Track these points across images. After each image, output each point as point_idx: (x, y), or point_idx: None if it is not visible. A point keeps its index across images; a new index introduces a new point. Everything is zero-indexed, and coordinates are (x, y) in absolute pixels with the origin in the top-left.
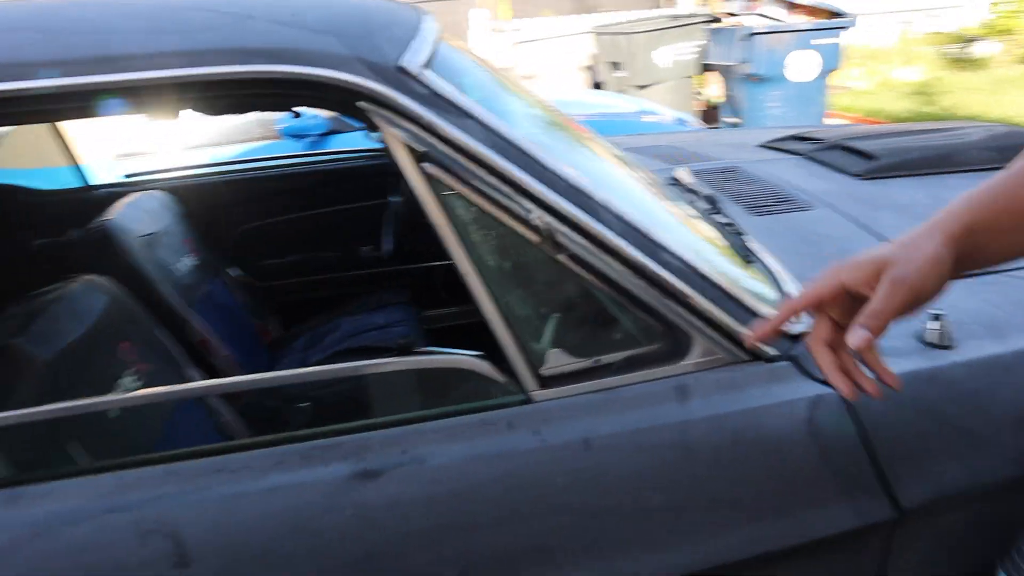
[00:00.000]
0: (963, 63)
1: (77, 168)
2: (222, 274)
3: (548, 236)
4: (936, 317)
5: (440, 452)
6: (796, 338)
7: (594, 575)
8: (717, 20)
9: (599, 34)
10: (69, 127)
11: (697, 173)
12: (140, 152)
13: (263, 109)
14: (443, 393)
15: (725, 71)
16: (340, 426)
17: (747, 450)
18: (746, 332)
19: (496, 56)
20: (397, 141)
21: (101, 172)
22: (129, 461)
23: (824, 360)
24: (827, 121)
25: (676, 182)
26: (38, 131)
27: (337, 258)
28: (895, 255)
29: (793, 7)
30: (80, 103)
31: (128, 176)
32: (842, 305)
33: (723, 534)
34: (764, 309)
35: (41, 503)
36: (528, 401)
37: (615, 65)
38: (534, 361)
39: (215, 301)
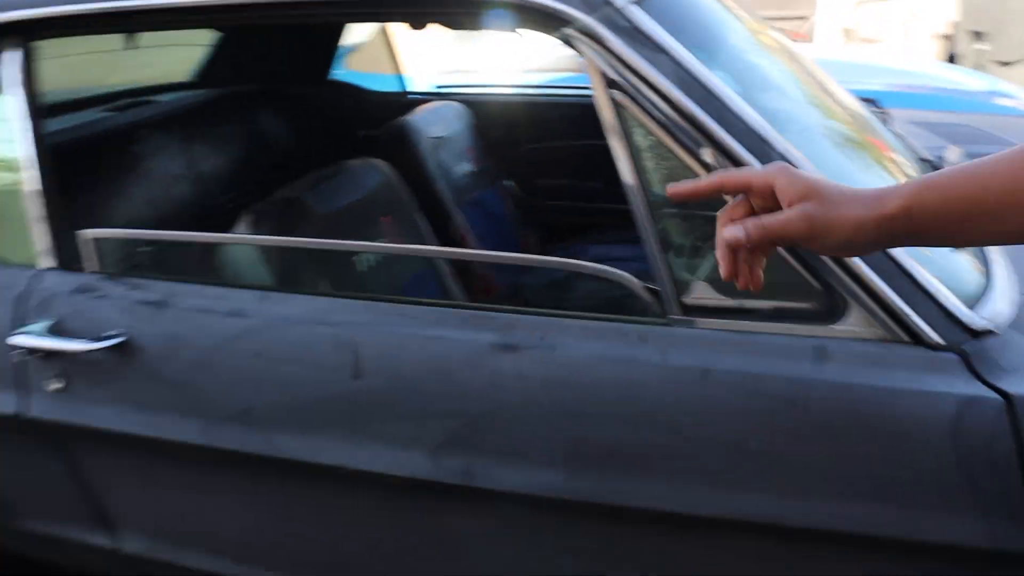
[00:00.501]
0: None
1: (400, 77)
2: (497, 185)
3: None
4: None
5: (573, 345)
6: (976, 334)
7: (680, 496)
8: None
9: None
10: (403, 43)
11: (975, 156)
12: (465, 70)
13: (489, 28)
14: (593, 298)
15: None
16: (499, 305)
17: (869, 428)
18: (675, 188)
19: (837, 17)
20: (593, 66)
21: (420, 82)
22: (341, 293)
23: (721, 234)
24: None
25: (939, 160)
26: (378, 44)
27: (604, 189)
28: (828, 194)
29: None
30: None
31: (438, 87)
32: (765, 200)
33: (812, 497)
34: (944, 294)
35: (280, 306)
36: (666, 324)
37: (977, 35)
38: (680, 288)
39: (484, 207)
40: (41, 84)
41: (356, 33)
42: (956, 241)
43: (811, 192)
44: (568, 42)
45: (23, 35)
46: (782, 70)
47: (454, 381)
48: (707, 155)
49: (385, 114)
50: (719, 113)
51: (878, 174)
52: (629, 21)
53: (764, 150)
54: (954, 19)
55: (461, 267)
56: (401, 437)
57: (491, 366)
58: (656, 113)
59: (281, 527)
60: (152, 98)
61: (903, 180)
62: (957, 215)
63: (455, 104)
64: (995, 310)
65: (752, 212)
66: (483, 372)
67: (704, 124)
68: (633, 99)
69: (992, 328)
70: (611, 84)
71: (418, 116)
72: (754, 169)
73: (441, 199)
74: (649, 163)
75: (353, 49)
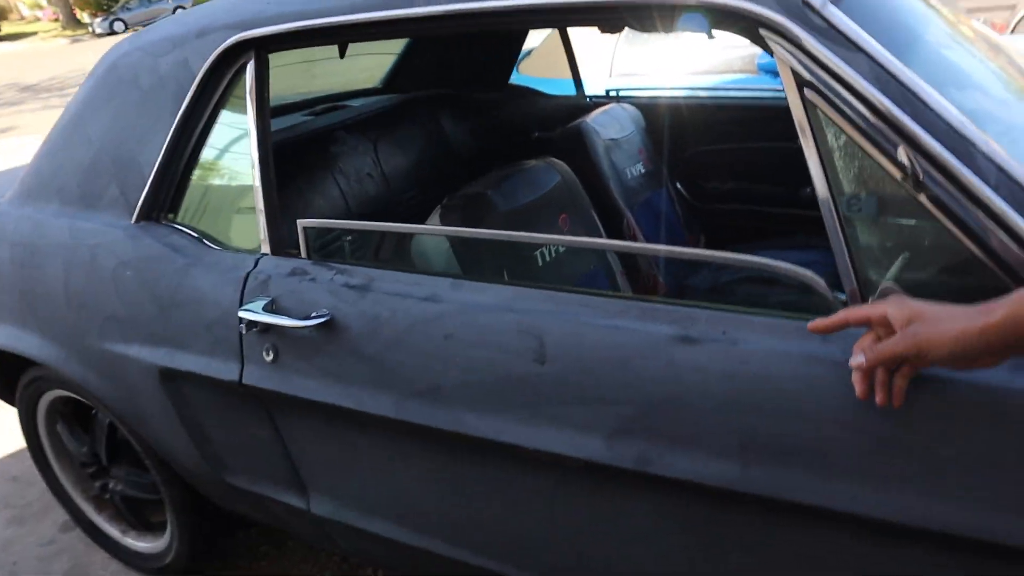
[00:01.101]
0: None
1: (576, 81)
2: (667, 187)
3: (912, 175)
4: None
5: (754, 340)
6: None
7: (860, 501)
8: None
9: None
10: (581, 50)
11: None
12: (635, 73)
13: (683, 30)
14: (778, 296)
15: None
16: (681, 300)
17: None
18: (813, 325)
19: None
20: (786, 67)
21: (595, 86)
22: (526, 284)
23: (856, 359)
24: None
25: None
26: (554, 50)
27: (774, 193)
28: (933, 314)
29: None
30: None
31: (611, 90)
32: (887, 328)
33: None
34: None
35: (471, 293)
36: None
37: None
38: (865, 290)
39: (654, 207)
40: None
41: (532, 39)
42: None
43: (916, 315)
44: (761, 43)
45: (259, 48)
46: (985, 65)
47: (633, 370)
48: (902, 154)
49: (562, 117)
50: (918, 112)
51: None
52: (826, 20)
53: (966, 148)
54: None
55: (630, 266)
56: (579, 421)
57: (670, 357)
58: (850, 113)
59: (461, 501)
60: (346, 103)
61: None
62: None
63: (629, 107)
64: None
65: (879, 339)
66: (660, 362)
67: (902, 123)
68: (827, 99)
69: None
70: (804, 84)
71: (593, 119)
72: (874, 305)
73: (614, 199)
74: (841, 163)
75: (527, 54)
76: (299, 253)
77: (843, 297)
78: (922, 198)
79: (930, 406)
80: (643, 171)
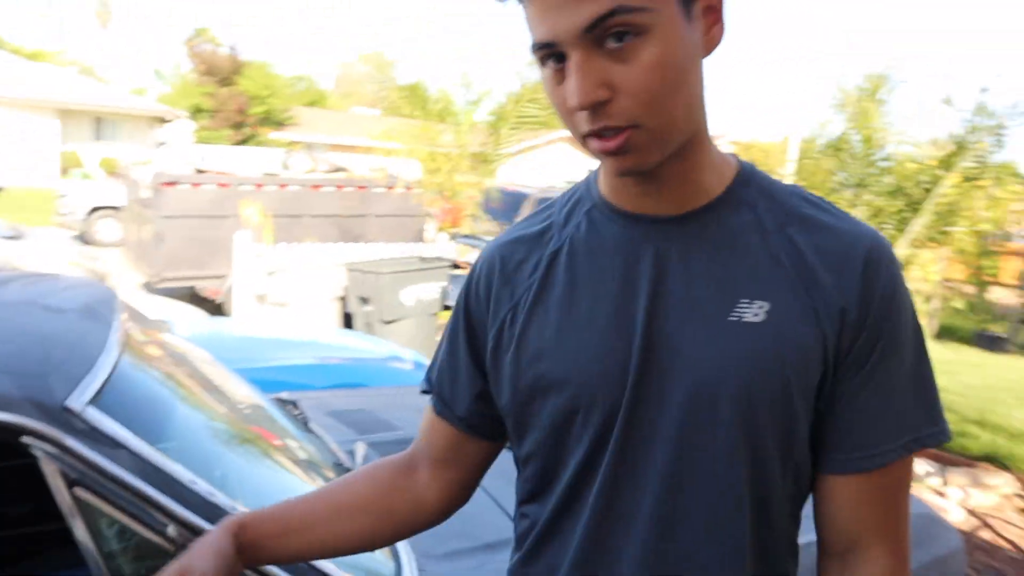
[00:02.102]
0: None
1: None
2: None
3: (182, 546)
4: None
5: None
6: None
7: None
8: (457, 267)
9: (350, 270)
10: None
11: (376, 445)
12: None
13: None
14: None
15: None
16: None
17: None
18: None
19: (251, 283)
20: (54, 469)
21: None
22: None
23: None
24: None
25: (347, 463)
26: None
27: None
28: (190, 550)
29: None
30: None
31: None
32: None
33: None
34: None
35: None
36: None
37: (364, 300)
38: None
39: None
40: None
41: None
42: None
43: (183, 563)
44: (25, 450)
45: None
46: (232, 430)
47: None
48: (172, 531)
49: None
50: (177, 491)
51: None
52: (87, 423)
53: (219, 514)
54: (345, 286)
55: None
56: None
57: None
58: (121, 502)
59: None
60: None
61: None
62: (272, 531)
63: None
64: None
65: None
66: None
67: (167, 506)
68: (97, 493)
69: None
70: (73, 483)
71: None
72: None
73: None
74: (116, 545)
75: None
76: None
77: None
78: None
79: None
80: None
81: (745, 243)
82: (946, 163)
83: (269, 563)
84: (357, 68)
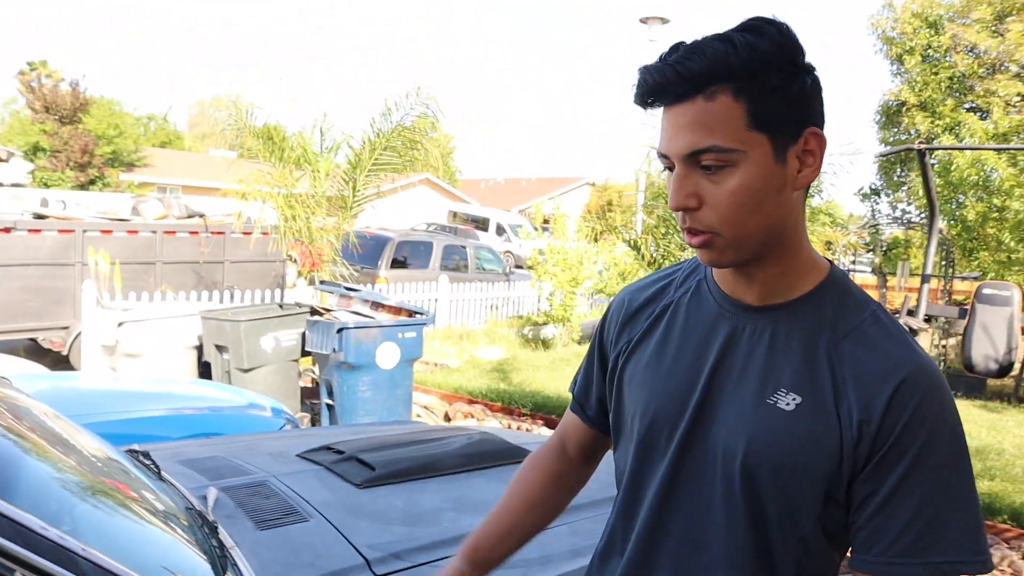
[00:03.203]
0: (535, 343)
1: None
2: None
3: None
4: None
5: None
6: None
7: None
8: (318, 313)
9: (205, 318)
10: None
11: (228, 490)
12: None
13: None
14: None
15: (322, 358)
16: None
17: None
18: None
19: (100, 334)
20: None
21: None
22: None
23: None
24: (415, 397)
25: (200, 508)
26: None
27: None
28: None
29: (378, 307)
30: None
31: None
32: None
33: None
34: None
35: None
36: None
37: (221, 348)
38: None
39: None
40: None
41: None
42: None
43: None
44: None
45: None
46: (54, 464)
47: None
48: None
49: None
50: (27, 539)
51: (148, 524)
52: None
53: (70, 557)
54: (200, 334)
55: None
56: None
57: None
58: None
59: None
60: None
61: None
62: (496, 542)
63: None
64: None
65: None
66: None
67: (19, 554)
68: None
69: None
70: None
71: None
72: None
73: None
74: None
75: None
76: None
77: None
78: None
79: None
80: None
81: (802, 341)
82: None
83: (498, 566)
84: (212, 110)
